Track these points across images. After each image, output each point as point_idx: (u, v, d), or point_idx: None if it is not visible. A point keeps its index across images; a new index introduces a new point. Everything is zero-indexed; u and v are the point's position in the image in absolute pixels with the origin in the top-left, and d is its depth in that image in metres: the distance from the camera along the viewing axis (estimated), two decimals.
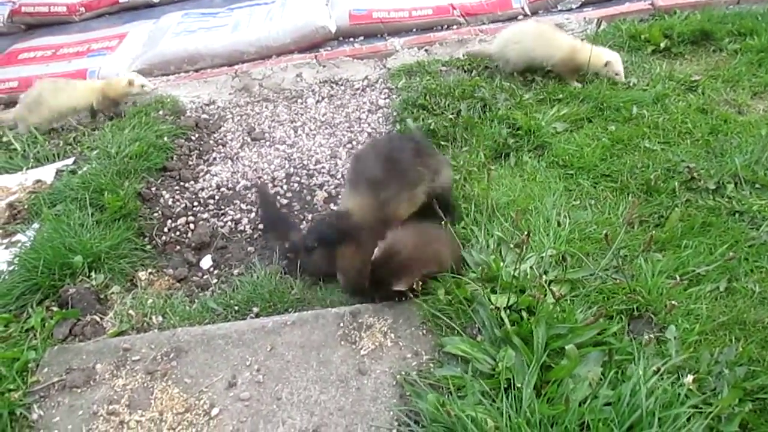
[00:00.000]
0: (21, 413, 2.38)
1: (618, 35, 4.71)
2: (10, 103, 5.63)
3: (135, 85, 4.73)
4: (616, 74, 4.15)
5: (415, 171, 2.97)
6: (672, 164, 3.31)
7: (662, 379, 2.09)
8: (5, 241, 3.60)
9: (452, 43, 5.14)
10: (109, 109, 4.85)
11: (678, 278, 2.37)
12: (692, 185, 3.18)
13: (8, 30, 7.47)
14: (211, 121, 4.70)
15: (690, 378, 2.06)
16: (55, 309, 2.96)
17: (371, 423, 2.20)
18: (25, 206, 3.82)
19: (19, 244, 3.44)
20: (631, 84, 4.12)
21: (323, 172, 3.91)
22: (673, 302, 2.20)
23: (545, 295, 2.38)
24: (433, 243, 2.73)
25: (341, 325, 2.58)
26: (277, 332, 2.59)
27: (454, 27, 5.60)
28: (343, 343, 2.51)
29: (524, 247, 2.35)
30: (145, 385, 2.46)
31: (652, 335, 2.28)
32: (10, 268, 3.25)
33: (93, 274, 3.12)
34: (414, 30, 5.69)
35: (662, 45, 4.53)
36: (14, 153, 4.52)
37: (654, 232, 2.82)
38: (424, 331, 2.51)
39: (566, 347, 2.16)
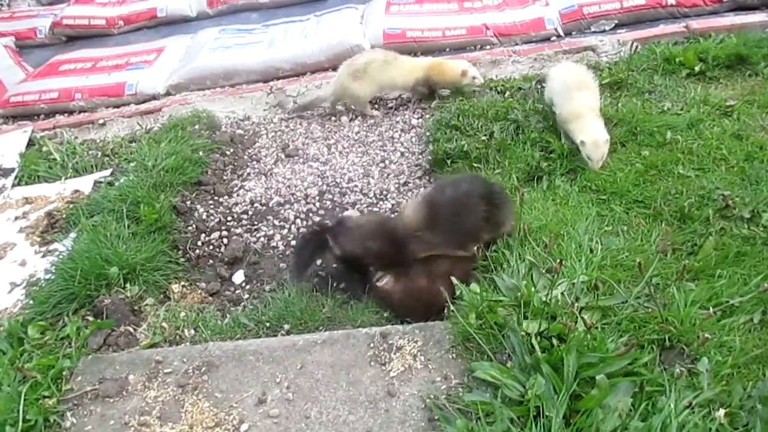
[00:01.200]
0: (54, 420, 2.43)
1: (652, 58, 4.67)
2: (51, 114, 5.79)
3: (467, 76, 4.57)
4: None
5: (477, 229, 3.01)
6: (706, 191, 3.26)
7: (693, 412, 2.06)
8: (43, 249, 3.70)
9: (485, 63, 5.16)
10: (430, 92, 4.76)
11: (711, 309, 2.34)
12: (727, 213, 3.12)
13: (49, 41, 7.69)
14: (245, 137, 4.77)
15: (722, 412, 2.02)
16: (90, 319, 3.03)
17: None
18: (63, 216, 3.92)
19: (57, 253, 3.53)
20: (665, 108, 4.08)
21: (356, 191, 3.94)
22: (706, 334, 2.17)
23: (576, 323, 2.37)
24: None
25: (371, 345, 2.60)
26: (307, 350, 2.62)
27: (488, 47, 5.61)
28: (372, 363, 2.52)
29: (557, 274, 2.34)
30: (177, 397, 2.50)
31: (684, 368, 2.25)
32: (48, 277, 3.34)
33: (128, 285, 3.18)
34: (447, 50, 5.71)
35: (697, 69, 4.48)
36: (54, 163, 4.64)
37: (687, 261, 2.79)
38: (454, 355, 2.51)
39: (597, 377, 2.14)
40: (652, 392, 2.18)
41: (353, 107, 4.85)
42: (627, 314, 2.53)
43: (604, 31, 5.56)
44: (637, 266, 2.44)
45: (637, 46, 4.64)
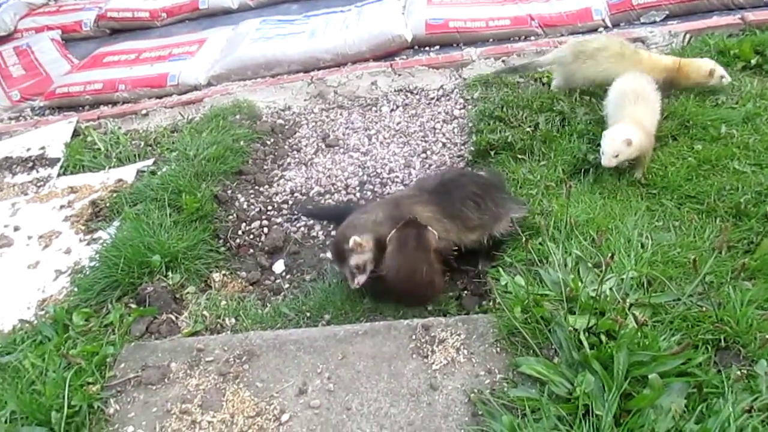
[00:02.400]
0: (98, 407, 2.44)
1: (705, 50, 4.52)
2: (95, 105, 5.87)
3: (714, 77, 4.03)
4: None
5: (475, 219, 3.02)
6: (763, 188, 3.12)
7: (752, 416, 1.97)
8: (87, 237, 3.74)
9: (530, 54, 5.05)
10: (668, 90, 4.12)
11: None
12: None
13: (94, 34, 7.82)
14: (286, 127, 4.76)
15: None
16: (133, 306, 3.05)
17: None
18: (107, 204, 3.96)
19: (101, 241, 3.57)
20: (719, 102, 3.94)
21: (396, 181, 3.90)
22: (766, 336, 2.07)
23: (626, 319, 2.29)
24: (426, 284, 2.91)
25: (413, 337, 2.55)
26: (348, 341, 2.58)
27: (532, 38, 5.51)
28: (414, 356, 2.48)
29: (605, 268, 2.27)
30: (218, 386, 2.49)
31: (742, 370, 2.15)
32: (92, 264, 3.38)
33: (170, 273, 3.19)
34: (491, 40, 5.63)
35: (753, 62, 4.31)
36: (98, 152, 4.70)
37: (743, 259, 2.67)
38: (498, 349, 2.45)
39: (649, 376, 2.06)
40: (708, 394, 2.09)
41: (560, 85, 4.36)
42: (679, 313, 2.44)
43: (654, 22, 5.41)
44: (691, 263, 2.34)
45: (690, 38, 4.49)
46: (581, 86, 4.19)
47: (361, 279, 2.89)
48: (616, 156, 3.31)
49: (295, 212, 3.79)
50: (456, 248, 3.05)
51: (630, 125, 3.37)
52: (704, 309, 2.44)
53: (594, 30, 5.47)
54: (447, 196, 3.03)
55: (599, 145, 3.56)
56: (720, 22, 4.98)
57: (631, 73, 3.71)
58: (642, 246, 2.83)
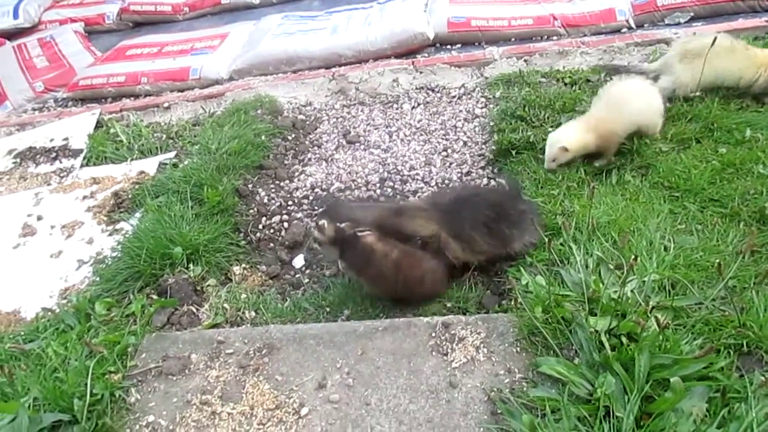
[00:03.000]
0: (120, 395, 2.46)
1: None
2: (118, 97, 5.92)
3: None
4: None
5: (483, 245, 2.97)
6: None
7: None
8: (110, 228, 3.78)
9: (552, 54, 5.03)
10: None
11: None
12: None
13: (117, 27, 7.91)
14: (307, 122, 4.78)
15: None
16: (154, 297, 3.08)
17: None
18: (129, 196, 4.00)
19: (123, 232, 3.61)
20: (744, 105, 3.89)
21: (417, 179, 3.89)
22: None
23: (648, 322, 2.28)
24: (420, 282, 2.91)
25: (433, 335, 2.55)
26: (368, 337, 2.59)
27: (555, 38, 5.48)
28: (434, 353, 2.48)
29: (628, 270, 2.25)
30: (238, 378, 2.50)
31: (765, 375, 2.12)
32: (114, 255, 3.41)
33: (191, 265, 3.22)
34: (513, 39, 5.61)
35: None
36: (120, 144, 4.74)
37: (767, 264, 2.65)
38: (518, 349, 2.44)
39: (671, 379, 2.05)
40: (729, 399, 2.07)
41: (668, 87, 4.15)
42: (702, 316, 2.41)
43: (678, 24, 5.36)
44: (715, 267, 2.32)
45: (714, 39, 4.44)
46: (691, 88, 4.01)
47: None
48: (554, 160, 3.46)
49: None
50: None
51: (575, 127, 3.46)
52: (727, 313, 2.42)
53: (617, 31, 5.43)
54: (458, 216, 2.97)
55: (622, 146, 3.56)
56: (746, 24, 4.92)
57: (630, 80, 3.67)
58: (664, 249, 2.80)
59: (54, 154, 4.81)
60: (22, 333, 3.00)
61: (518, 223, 3.00)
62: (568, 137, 3.42)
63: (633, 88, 3.57)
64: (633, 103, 3.50)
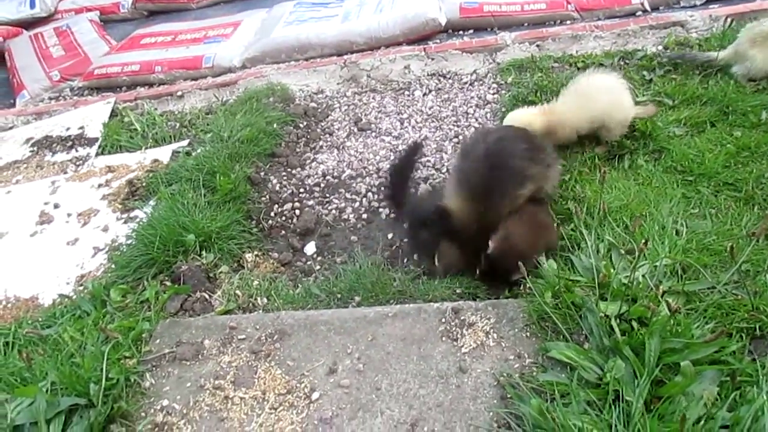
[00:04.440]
0: (135, 380, 2.50)
1: None
2: (132, 86, 5.97)
3: None
4: None
5: (523, 176, 2.93)
6: None
7: None
8: (124, 216, 3.83)
9: (565, 38, 4.99)
10: None
11: None
12: None
13: (132, 16, 7.97)
14: (319, 110, 4.78)
15: None
16: (168, 284, 3.11)
17: (470, 422, 2.17)
18: (143, 184, 4.04)
19: (137, 220, 3.65)
20: (760, 87, 3.84)
21: (428, 166, 3.89)
22: None
23: (659, 306, 2.28)
24: (542, 229, 2.89)
25: (443, 320, 2.56)
26: (378, 323, 2.61)
27: (568, 22, 5.44)
28: (444, 339, 2.49)
29: (639, 255, 2.25)
30: (250, 363, 2.54)
31: None
32: (129, 242, 3.45)
33: (204, 252, 3.25)
34: (525, 24, 5.57)
35: None
36: (134, 133, 4.78)
37: None
38: (528, 334, 2.45)
39: (682, 363, 2.05)
40: (741, 382, 2.07)
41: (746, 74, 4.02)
42: (714, 300, 2.40)
43: (694, 6, 5.29)
44: (728, 251, 2.31)
45: (731, 22, 4.39)
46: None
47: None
48: None
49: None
50: None
51: (529, 111, 3.52)
52: (739, 297, 2.40)
53: (632, 14, 5.37)
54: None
55: (634, 131, 3.53)
56: (764, 5, 4.83)
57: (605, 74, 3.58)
58: (677, 233, 2.80)
59: (70, 143, 4.86)
60: (40, 319, 3.06)
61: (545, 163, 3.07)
62: (516, 118, 3.43)
63: (602, 84, 3.47)
64: (598, 99, 3.42)
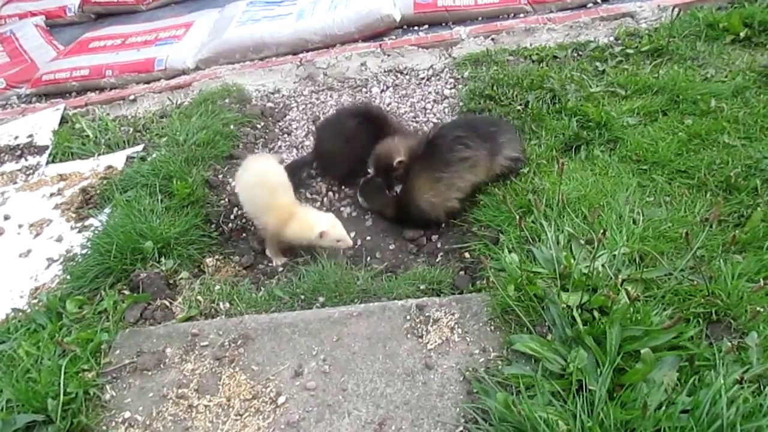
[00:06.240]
0: (94, 393, 2.45)
1: (694, 24, 4.50)
2: (82, 91, 5.82)
3: None
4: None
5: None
6: (753, 161, 3.13)
7: (743, 388, 1.99)
8: (79, 225, 3.73)
9: (519, 32, 5.03)
10: None
11: (761, 282, 2.25)
12: None
13: (79, 19, 7.76)
14: (276, 110, 4.73)
15: None
16: (126, 292, 3.04)
17: (437, 418, 2.17)
18: (98, 191, 3.95)
19: (92, 228, 3.56)
20: (708, 75, 3.93)
21: None
22: (757, 308, 2.08)
23: (618, 295, 2.31)
24: None
25: (408, 318, 2.56)
26: (343, 323, 2.59)
27: (521, 15, 5.48)
28: (409, 336, 2.49)
29: (598, 245, 2.28)
30: (213, 370, 2.50)
31: (733, 342, 2.16)
32: (84, 252, 3.37)
33: (163, 259, 3.18)
34: (480, 18, 5.58)
35: (742, 34, 4.31)
36: (86, 139, 4.66)
37: (734, 232, 2.68)
38: (492, 328, 2.46)
39: (642, 350, 2.08)
40: (699, 367, 2.11)
41: None
42: (671, 287, 2.45)
43: None
44: (683, 237, 2.35)
45: (678, 12, 4.48)
46: None
47: None
48: None
49: None
50: None
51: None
52: (696, 283, 2.46)
53: (584, 6, 5.44)
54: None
55: (589, 122, 3.57)
56: None
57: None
58: (634, 222, 2.84)
59: (19, 152, 4.72)
60: None
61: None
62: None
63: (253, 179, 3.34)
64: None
